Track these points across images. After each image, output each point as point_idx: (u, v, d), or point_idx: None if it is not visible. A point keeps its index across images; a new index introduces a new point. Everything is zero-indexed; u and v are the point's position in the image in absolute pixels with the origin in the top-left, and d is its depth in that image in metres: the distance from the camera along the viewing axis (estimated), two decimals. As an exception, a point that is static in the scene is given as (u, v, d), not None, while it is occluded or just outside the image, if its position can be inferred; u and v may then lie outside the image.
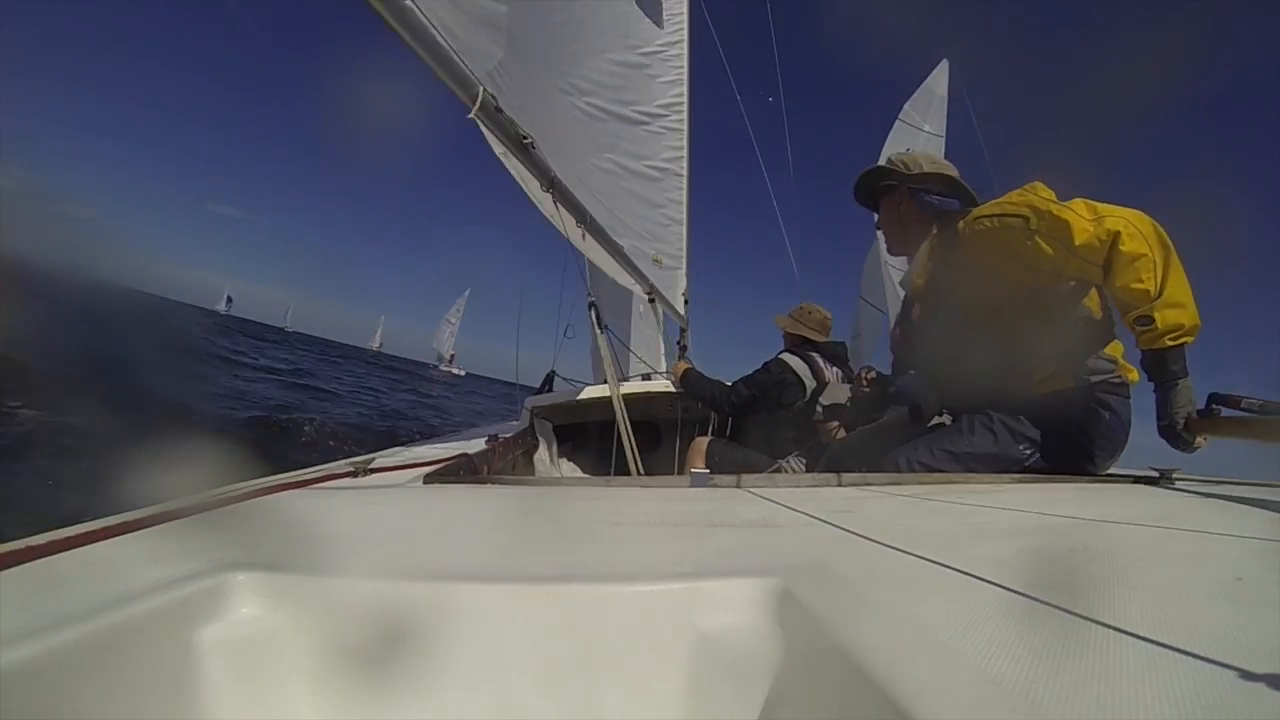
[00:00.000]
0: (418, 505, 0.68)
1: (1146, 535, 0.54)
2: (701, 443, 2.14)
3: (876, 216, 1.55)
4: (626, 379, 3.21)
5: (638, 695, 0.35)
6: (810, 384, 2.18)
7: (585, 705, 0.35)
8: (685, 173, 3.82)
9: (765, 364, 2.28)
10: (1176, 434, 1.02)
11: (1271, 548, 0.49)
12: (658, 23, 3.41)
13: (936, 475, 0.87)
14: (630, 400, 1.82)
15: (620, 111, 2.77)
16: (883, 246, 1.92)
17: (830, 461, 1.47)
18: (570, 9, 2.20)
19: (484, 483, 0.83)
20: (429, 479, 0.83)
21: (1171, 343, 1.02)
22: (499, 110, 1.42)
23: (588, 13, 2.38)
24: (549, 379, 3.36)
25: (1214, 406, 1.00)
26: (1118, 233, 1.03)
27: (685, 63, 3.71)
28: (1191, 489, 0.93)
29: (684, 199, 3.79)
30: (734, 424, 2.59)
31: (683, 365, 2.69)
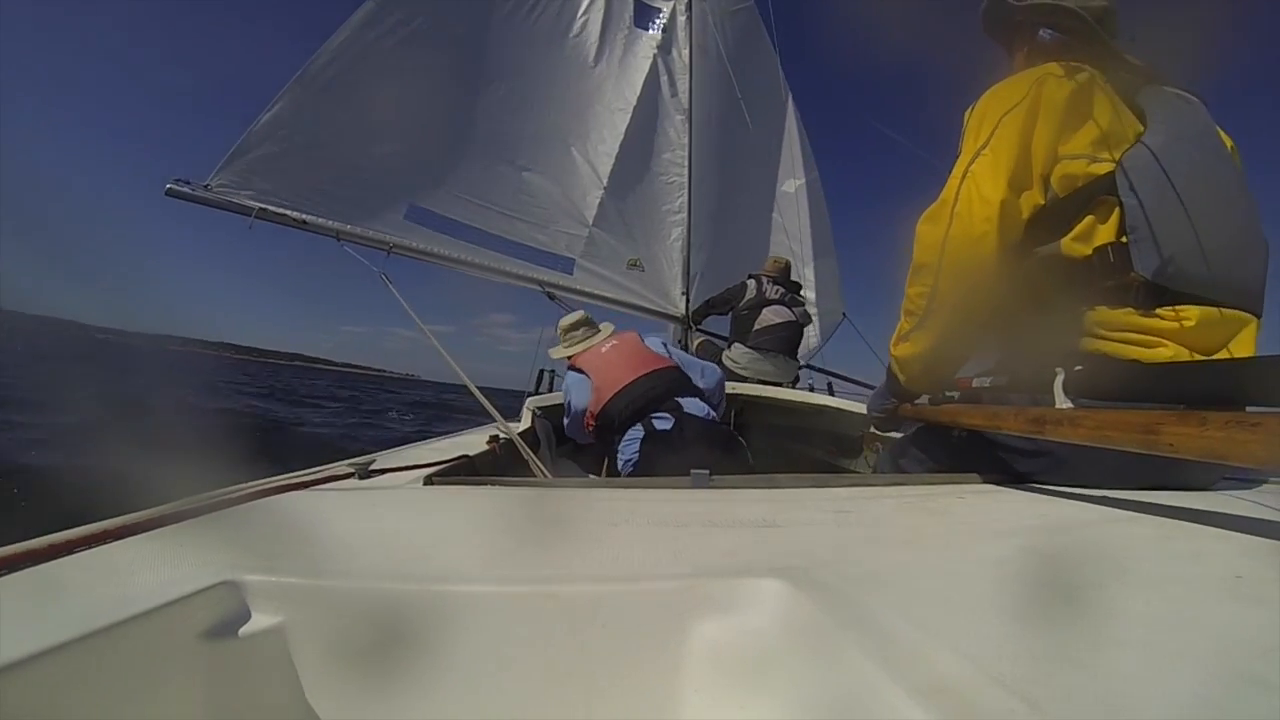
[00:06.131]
0: (419, 507, 0.68)
1: (1148, 532, 0.54)
2: None
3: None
4: None
5: (638, 696, 0.35)
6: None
7: (585, 706, 0.35)
8: (686, 172, 3.86)
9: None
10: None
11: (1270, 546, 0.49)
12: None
13: (936, 475, 0.86)
14: None
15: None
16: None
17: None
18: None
19: (484, 484, 0.83)
20: (429, 480, 0.83)
21: None
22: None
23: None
24: (542, 378, 3.36)
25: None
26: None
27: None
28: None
29: (685, 203, 3.85)
30: (737, 422, 2.63)
31: None
